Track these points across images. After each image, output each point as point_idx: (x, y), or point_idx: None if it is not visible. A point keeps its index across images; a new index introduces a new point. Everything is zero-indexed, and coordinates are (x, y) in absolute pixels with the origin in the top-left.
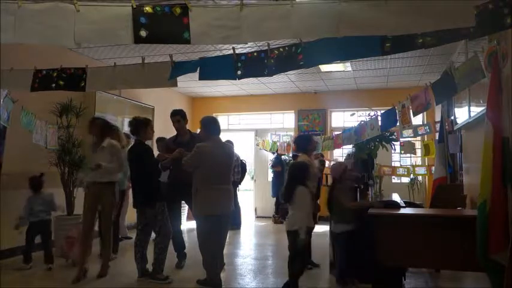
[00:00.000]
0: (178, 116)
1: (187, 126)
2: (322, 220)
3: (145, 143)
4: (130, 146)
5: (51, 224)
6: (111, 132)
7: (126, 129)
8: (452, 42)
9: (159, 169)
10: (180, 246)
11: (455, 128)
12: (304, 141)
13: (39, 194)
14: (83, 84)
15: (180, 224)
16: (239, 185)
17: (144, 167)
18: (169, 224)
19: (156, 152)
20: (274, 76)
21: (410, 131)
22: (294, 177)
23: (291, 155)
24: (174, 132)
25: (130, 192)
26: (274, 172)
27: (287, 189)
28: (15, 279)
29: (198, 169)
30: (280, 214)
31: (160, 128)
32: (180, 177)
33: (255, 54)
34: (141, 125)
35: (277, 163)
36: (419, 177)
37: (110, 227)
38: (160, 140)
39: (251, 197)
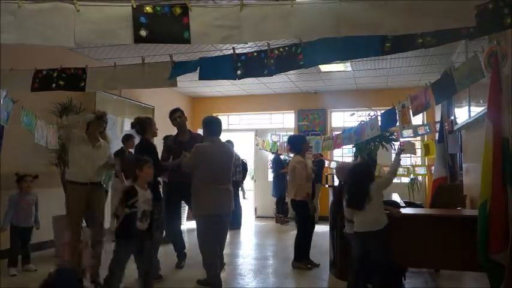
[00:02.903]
0: (179, 113)
1: (187, 126)
2: (322, 220)
3: (151, 141)
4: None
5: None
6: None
7: (126, 129)
8: (452, 42)
9: (162, 169)
10: (180, 246)
11: (455, 128)
12: (298, 142)
13: (25, 195)
14: (82, 84)
15: (180, 224)
16: (241, 185)
17: None
18: (163, 228)
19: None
20: (274, 76)
21: (410, 131)
22: (365, 177)
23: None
24: (174, 132)
25: None
26: (275, 172)
27: (361, 193)
28: (15, 280)
29: (198, 169)
30: (285, 214)
31: (160, 128)
32: (180, 177)
33: (255, 54)
34: (148, 124)
35: (280, 166)
36: (419, 177)
37: (102, 230)
38: (166, 138)
39: (251, 197)
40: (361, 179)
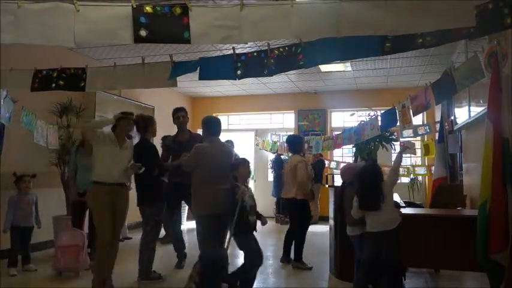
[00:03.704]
0: (183, 112)
1: (187, 126)
2: (322, 220)
3: (150, 141)
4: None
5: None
6: None
7: None
8: (452, 42)
9: (161, 169)
10: (180, 246)
11: (455, 128)
12: (297, 142)
13: (24, 195)
14: (82, 84)
15: (181, 224)
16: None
17: (144, 165)
18: (160, 227)
19: (160, 150)
20: (274, 76)
21: (410, 131)
22: (377, 178)
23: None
24: (173, 132)
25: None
26: (276, 172)
27: (375, 193)
28: (15, 280)
29: (197, 169)
30: (285, 214)
31: (159, 128)
32: (180, 176)
33: (255, 54)
34: (150, 122)
35: (280, 166)
36: (419, 177)
37: (122, 231)
38: (165, 139)
39: None
40: (373, 179)
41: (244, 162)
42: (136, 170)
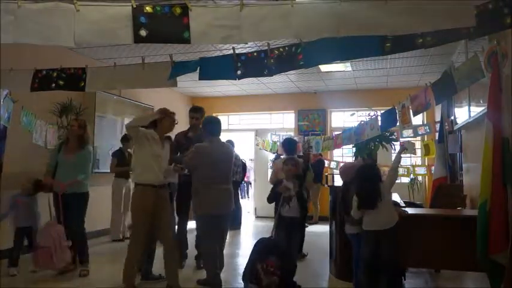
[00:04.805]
0: (195, 114)
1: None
2: (322, 220)
3: None
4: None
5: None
6: None
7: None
8: (452, 42)
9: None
10: (183, 246)
11: (455, 128)
12: (292, 145)
13: (24, 196)
14: (82, 84)
15: (186, 224)
16: (241, 185)
17: None
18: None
19: None
20: (274, 76)
21: (410, 131)
22: (375, 177)
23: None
24: (173, 132)
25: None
26: None
27: (373, 193)
28: (15, 280)
29: (198, 169)
30: None
31: None
32: (188, 177)
33: (255, 54)
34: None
35: None
36: (419, 177)
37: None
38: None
39: (251, 197)
40: (371, 179)
41: (286, 161)
42: (179, 171)
